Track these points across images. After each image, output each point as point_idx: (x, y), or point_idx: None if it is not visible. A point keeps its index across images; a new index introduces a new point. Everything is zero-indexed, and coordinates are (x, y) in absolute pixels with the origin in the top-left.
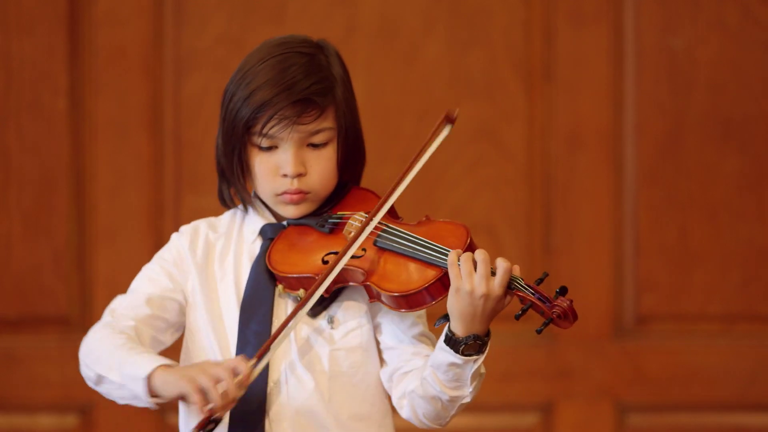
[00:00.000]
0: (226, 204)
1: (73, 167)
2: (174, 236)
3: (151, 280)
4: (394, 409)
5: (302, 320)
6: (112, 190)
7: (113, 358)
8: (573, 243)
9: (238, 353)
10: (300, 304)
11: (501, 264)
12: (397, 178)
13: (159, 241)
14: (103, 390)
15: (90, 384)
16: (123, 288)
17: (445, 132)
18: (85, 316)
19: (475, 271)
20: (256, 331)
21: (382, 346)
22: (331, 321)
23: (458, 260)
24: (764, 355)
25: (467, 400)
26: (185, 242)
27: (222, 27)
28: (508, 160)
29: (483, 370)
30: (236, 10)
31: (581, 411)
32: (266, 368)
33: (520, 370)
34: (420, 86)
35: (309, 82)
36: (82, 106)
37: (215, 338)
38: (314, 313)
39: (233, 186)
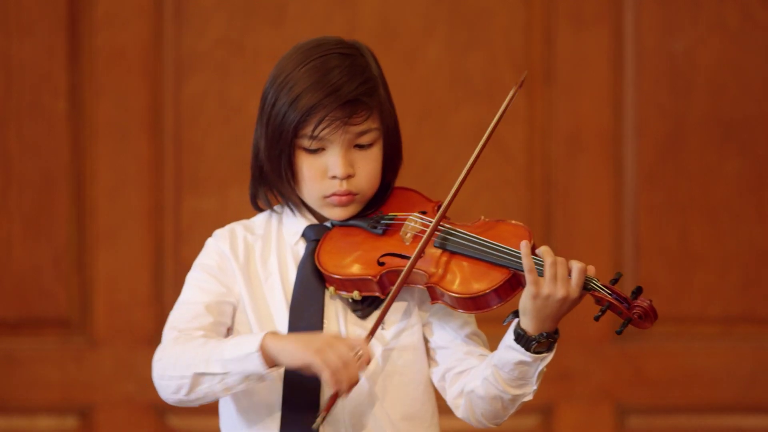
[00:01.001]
0: (258, 206)
1: (73, 169)
2: (210, 241)
3: (202, 288)
4: (441, 409)
5: (353, 322)
6: (112, 192)
7: (205, 354)
8: (573, 245)
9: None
10: (388, 302)
11: (576, 265)
12: (464, 172)
13: (159, 243)
14: (201, 391)
15: (178, 396)
16: (123, 289)
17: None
18: (85, 317)
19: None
20: (306, 331)
21: (432, 346)
22: (383, 321)
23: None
24: (764, 357)
25: (529, 398)
26: (225, 245)
27: (222, 29)
28: (509, 162)
29: (545, 368)
30: (236, 12)
31: (581, 413)
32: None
33: None
34: (420, 88)
35: (355, 83)
36: (82, 107)
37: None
38: (365, 314)
39: (277, 189)
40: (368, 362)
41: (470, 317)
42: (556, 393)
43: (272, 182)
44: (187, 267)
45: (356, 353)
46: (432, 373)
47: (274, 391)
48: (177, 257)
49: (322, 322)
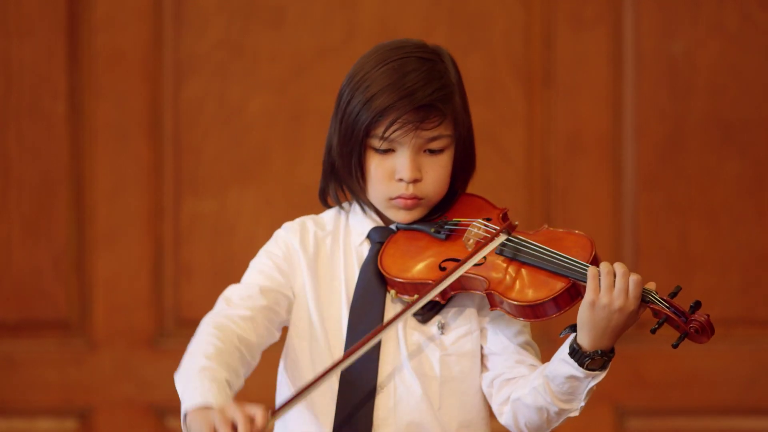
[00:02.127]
0: (327, 203)
1: (72, 171)
2: (280, 232)
3: (263, 273)
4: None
5: (412, 326)
6: (111, 194)
7: (189, 371)
8: None
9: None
10: (408, 306)
11: (634, 278)
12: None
13: (158, 244)
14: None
15: None
16: (123, 291)
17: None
18: (85, 319)
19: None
20: (365, 333)
21: (485, 351)
22: (441, 326)
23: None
24: (763, 359)
25: (575, 413)
26: (295, 238)
27: (221, 31)
28: (508, 164)
29: (595, 388)
30: (236, 15)
31: (580, 415)
32: (376, 370)
33: None
34: None
35: (431, 89)
36: (82, 110)
37: (324, 337)
38: (425, 318)
39: (347, 186)
40: (263, 426)
41: (525, 327)
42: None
43: (343, 179)
44: (187, 268)
45: (250, 419)
46: (482, 378)
47: (329, 388)
48: (176, 259)
49: (381, 324)
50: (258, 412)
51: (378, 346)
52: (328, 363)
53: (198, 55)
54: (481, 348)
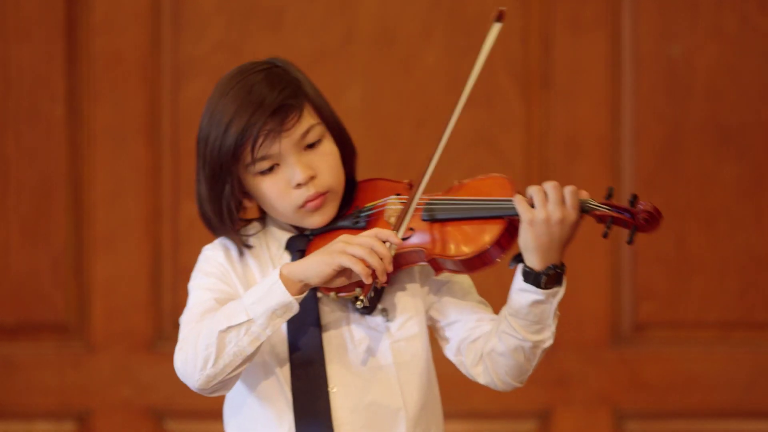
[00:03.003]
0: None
1: (70, 174)
2: (207, 253)
3: (210, 289)
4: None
5: (356, 321)
6: (109, 197)
7: (225, 312)
8: (571, 250)
9: (292, 361)
10: (411, 197)
11: (569, 188)
12: (442, 131)
13: (157, 248)
14: (229, 352)
15: (206, 371)
16: (121, 294)
17: (495, 30)
18: (83, 322)
19: (547, 199)
20: (306, 340)
21: (443, 324)
22: (386, 313)
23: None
24: (762, 362)
25: (549, 343)
26: (220, 254)
27: (220, 34)
28: (506, 167)
29: (558, 311)
30: (234, 17)
31: (579, 418)
32: (324, 374)
33: None
34: (418, 93)
35: (276, 91)
36: (80, 112)
37: (269, 348)
38: (368, 310)
39: (222, 234)
40: (397, 242)
41: (471, 288)
42: (554, 398)
43: (215, 228)
44: (186, 272)
45: (377, 237)
46: (447, 350)
47: (282, 398)
48: (175, 262)
49: (320, 328)
50: (379, 230)
51: (320, 347)
52: (275, 375)
53: (196, 58)
54: (439, 322)
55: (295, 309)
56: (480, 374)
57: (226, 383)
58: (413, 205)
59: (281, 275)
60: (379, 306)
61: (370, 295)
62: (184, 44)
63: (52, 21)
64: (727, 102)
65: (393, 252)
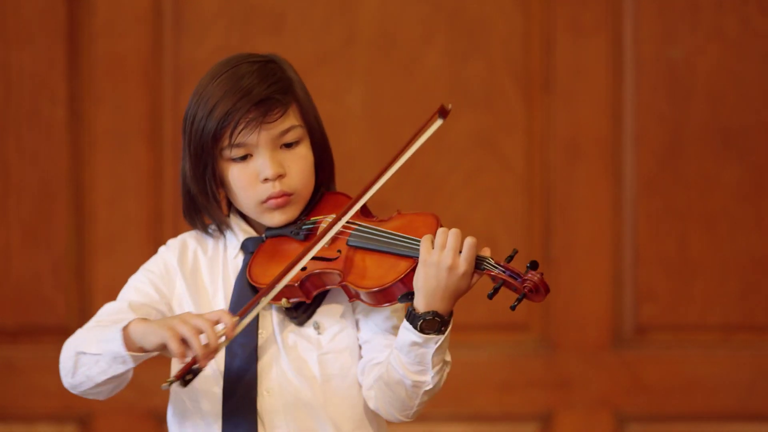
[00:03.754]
0: (197, 227)
1: (72, 177)
2: (162, 249)
3: (137, 289)
4: None
5: (289, 329)
6: (111, 200)
7: (91, 336)
8: (572, 253)
9: (227, 365)
10: (258, 296)
11: (468, 240)
12: (375, 175)
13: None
14: (82, 373)
15: (67, 379)
16: None
17: (435, 126)
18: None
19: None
20: (242, 344)
21: (360, 342)
22: (317, 327)
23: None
24: (763, 364)
25: (429, 387)
26: (173, 256)
27: (221, 37)
28: (508, 169)
29: (448, 358)
30: (235, 21)
31: (580, 421)
32: (255, 376)
33: (519, 379)
34: (419, 96)
35: (266, 84)
36: (82, 116)
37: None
38: (300, 321)
39: (206, 211)
40: (231, 332)
41: (394, 312)
42: (555, 400)
43: (201, 205)
44: None
45: (216, 323)
46: (358, 368)
47: (214, 401)
48: None
49: (257, 334)
50: (223, 315)
51: (255, 350)
52: (212, 376)
53: (198, 61)
54: (358, 339)
55: (131, 363)
56: (371, 399)
57: (91, 395)
58: (333, 230)
59: (127, 328)
60: (311, 320)
61: (185, 378)
62: (186, 47)
63: (54, 24)
64: (728, 105)
65: (222, 345)
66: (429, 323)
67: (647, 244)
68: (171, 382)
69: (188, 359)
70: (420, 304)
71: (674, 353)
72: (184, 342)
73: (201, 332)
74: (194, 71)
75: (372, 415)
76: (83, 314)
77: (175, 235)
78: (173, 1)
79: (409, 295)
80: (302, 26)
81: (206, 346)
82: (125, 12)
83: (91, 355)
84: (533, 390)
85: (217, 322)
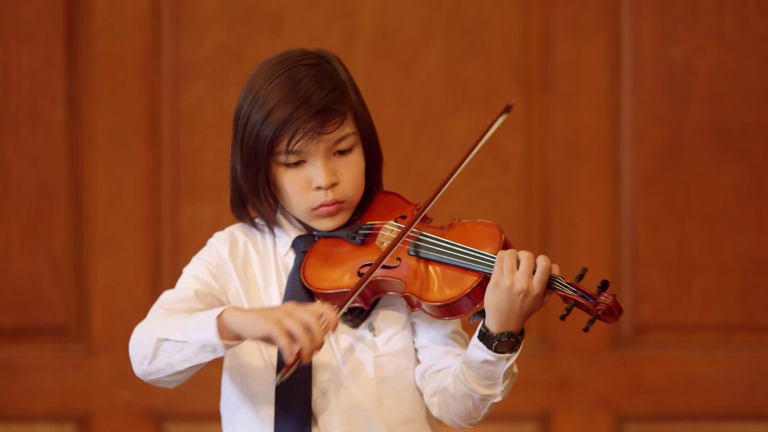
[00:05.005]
0: (244, 221)
1: (71, 177)
2: (212, 241)
3: (197, 278)
4: None
5: (343, 330)
6: (110, 200)
7: (173, 322)
8: (571, 252)
9: (279, 362)
10: (343, 301)
11: (541, 262)
12: (442, 182)
13: (157, 250)
14: (161, 360)
15: (142, 366)
16: (121, 297)
17: (500, 120)
18: (83, 325)
19: (518, 268)
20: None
21: (416, 345)
22: (372, 329)
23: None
24: (762, 364)
25: (498, 399)
26: (224, 249)
27: (220, 38)
28: (507, 170)
29: (515, 369)
30: (234, 21)
31: (580, 421)
32: (310, 378)
33: (518, 379)
34: (418, 96)
35: (324, 92)
36: (80, 116)
37: (258, 350)
38: (355, 324)
39: (257, 209)
40: (334, 326)
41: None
42: (555, 400)
43: (252, 203)
44: None
45: (319, 317)
46: (416, 372)
47: (268, 402)
48: (175, 265)
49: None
50: (324, 309)
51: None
52: (265, 374)
53: (197, 62)
54: (414, 342)
55: (221, 352)
56: (434, 406)
57: (163, 383)
58: (399, 243)
59: (221, 316)
60: (366, 321)
61: (293, 371)
62: (185, 48)
63: (53, 24)
64: (727, 105)
65: (327, 338)
66: (503, 344)
67: (646, 244)
68: (282, 377)
69: (295, 352)
70: (493, 325)
71: (673, 353)
72: (290, 336)
73: (308, 327)
74: (193, 72)
75: (425, 417)
76: (82, 314)
77: (173, 235)
78: (172, 2)
79: (480, 314)
80: (302, 26)
81: (313, 340)
82: (124, 12)
83: (176, 342)
84: (532, 390)
85: (320, 316)
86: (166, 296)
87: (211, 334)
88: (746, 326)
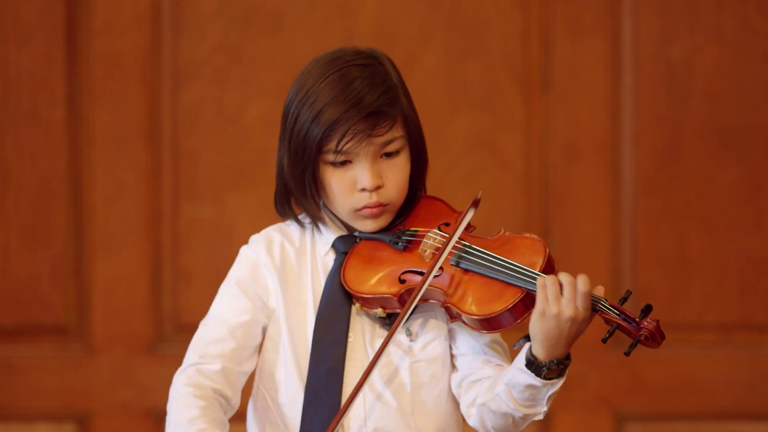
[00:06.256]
0: (287, 216)
1: (70, 176)
2: (245, 250)
3: (231, 305)
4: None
5: (379, 334)
6: (109, 200)
7: (182, 415)
8: (571, 252)
9: (311, 365)
10: (389, 335)
11: (582, 287)
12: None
13: (156, 250)
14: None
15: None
16: (121, 297)
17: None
18: (83, 325)
19: (561, 294)
20: (331, 345)
21: (454, 352)
22: (409, 333)
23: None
24: (761, 364)
25: (539, 417)
26: (261, 250)
27: (220, 37)
28: (506, 169)
29: (557, 390)
30: (234, 20)
31: (579, 420)
32: (341, 387)
33: None
34: (418, 95)
35: (376, 94)
36: (80, 115)
37: (291, 349)
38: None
39: (302, 205)
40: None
41: None
42: (554, 400)
43: (298, 199)
44: (186, 274)
45: None
46: (452, 379)
47: (296, 404)
48: (175, 264)
49: (346, 337)
50: None
51: (343, 357)
52: (295, 375)
53: (196, 61)
54: (451, 349)
55: None
56: (471, 416)
57: None
58: (443, 256)
59: None
60: (405, 325)
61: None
62: (184, 47)
63: (52, 24)
64: (727, 105)
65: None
66: (552, 371)
67: (646, 243)
68: (524, 339)
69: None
70: (540, 353)
71: (672, 353)
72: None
73: None
74: (193, 71)
75: (456, 425)
76: (81, 314)
77: (173, 234)
78: (172, 1)
79: (526, 338)
80: (301, 26)
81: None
82: (124, 11)
83: None
84: None
85: None
86: (201, 333)
87: None
88: (745, 326)
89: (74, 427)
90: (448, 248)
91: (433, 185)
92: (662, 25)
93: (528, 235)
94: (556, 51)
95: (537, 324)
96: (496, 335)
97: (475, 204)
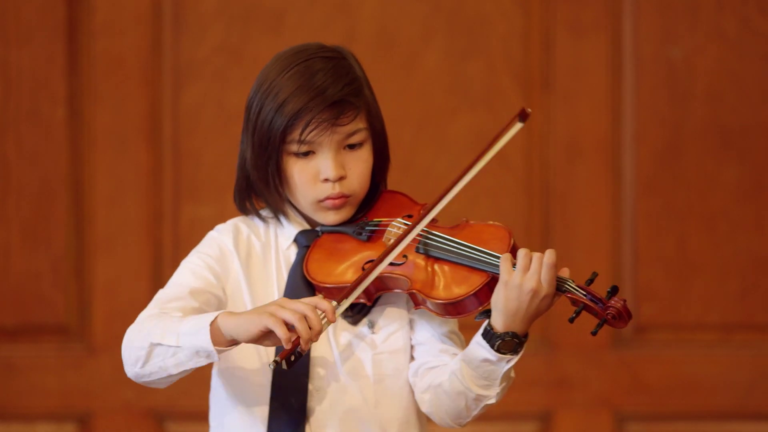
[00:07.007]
0: (247, 212)
1: (71, 176)
2: (213, 234)
3: (194, 273)
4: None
5: (342, 327)
6: (110, 200)
7: (166, 326)
8: (572, 252)
9: (276, 353)
10: (364, 274)
11: (548, 260)
12: (450, 183)
13: (157, 250)
14: (155, 364)
15: (135, 369)
16: (122, 296)
17: (514, 129)
18: (84, 325)
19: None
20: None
21: (413, 342)
22: (372, 326)
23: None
24: (762, 364)
25: (492, 401)
26: (228, 240)
27: (220, 37)
28: (508, 169)
29: (513, 374)
30: (235, 20)
31: (580, 420)
32: (307, 373)
33: (518, 378)
34: (419, 95)
35: (340, 85)
36: (81, 115)
37: (261, 348)
38: (354, 320)
39: (264, 198)
40: (332, 316)
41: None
42: (555, 400)
43: (259, 191)
44: None
45: (316, 308)
46: (410, 368)
47: (262, 396)
48: (175, 264)
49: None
50: (320, 301)
51: (308, 350)
52: (260, 377)
53: (197, 61)
54: (410, 339)
55: (215, 358)
56: (424, 402)
57: (155, 384)
58: (406, 240)
59: (213, 323)
60: (367, 318)
61: (290, 359)
62: (185, 47)
63: (53, 23)
64: (728, 104)
65: (326, 327)
66: (507, 344)
67: (647, 243)
68: (277, 362)
69: (292, 339)
70: (498, 324)
71: (674, 353)
72: (287, 325)
73: (304, 316)
74: (194, 71)
75: (417, 417)
76: (82, 313)
77: (173, 234)
78: (172, 1)
79: (486, 313)
80: (302, 26)
81: (311, 329)
82: (125, 11)
83: (169, 347)
84: (533, 389)
85: (315, 308)
86: (161, 295)
87: (204, 341)
88: (746, 326)
89: (75, 426)
90: (419, 227)
91: (433, 185)
92: (663, 25)
93: (492, 223)
94: (556, 51)
95: (499, 293)
96: (455, 327)
97: (523, 117)
